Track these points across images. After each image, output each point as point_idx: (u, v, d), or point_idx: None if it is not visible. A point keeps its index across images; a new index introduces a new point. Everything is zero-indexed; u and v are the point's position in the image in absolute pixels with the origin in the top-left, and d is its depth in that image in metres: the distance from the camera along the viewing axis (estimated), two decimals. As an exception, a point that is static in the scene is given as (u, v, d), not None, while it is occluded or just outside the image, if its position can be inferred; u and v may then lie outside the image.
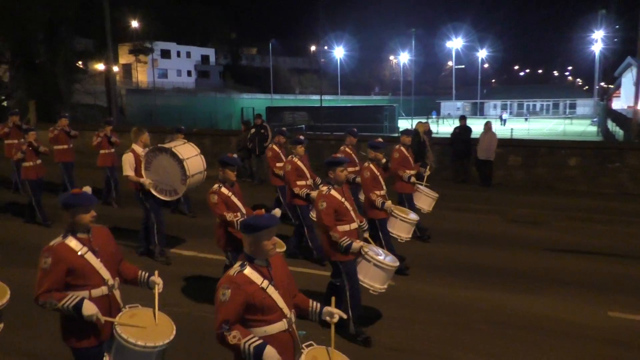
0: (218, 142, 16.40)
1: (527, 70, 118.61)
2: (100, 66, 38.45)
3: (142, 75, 61.55)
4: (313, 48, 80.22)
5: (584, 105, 69.72)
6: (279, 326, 3.02)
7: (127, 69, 62.40)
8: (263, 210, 3.11)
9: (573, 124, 47.58)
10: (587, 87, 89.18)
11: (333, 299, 3.34)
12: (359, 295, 5.13)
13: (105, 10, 19.93)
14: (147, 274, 3.58)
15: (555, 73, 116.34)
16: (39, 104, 21.81)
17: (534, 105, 74.10)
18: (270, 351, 2.86)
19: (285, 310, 3.05)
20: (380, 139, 7.29)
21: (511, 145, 14.20)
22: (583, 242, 8.66)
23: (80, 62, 35.49)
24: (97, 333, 3.34)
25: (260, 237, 2.97)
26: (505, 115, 51.63)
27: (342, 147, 8.82)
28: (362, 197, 8.04)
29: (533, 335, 5.36)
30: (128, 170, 7.19)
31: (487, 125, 13.58)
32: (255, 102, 58.31)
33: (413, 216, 7.10)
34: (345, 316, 3.26)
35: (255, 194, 11.47)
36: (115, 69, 40.01)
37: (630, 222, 9.83)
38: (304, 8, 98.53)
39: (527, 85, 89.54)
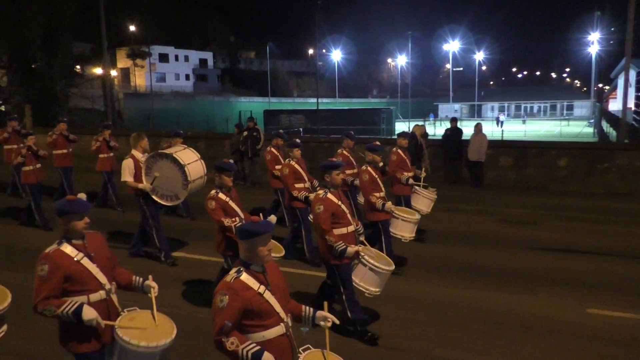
0: (213, 146, 16.44)
1: (525, 72, 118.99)
2: (97, 70, 38.47)
3: (140, 79, 61.53)
4: (311, 51, 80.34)
5: (582, 107, 69.86)
6: (277, 330, 3.05)
7: (125, 73, 62.44)
8: (260, 216, 3.14)
9: (570, 126, 47.68)
10: (585, 88, 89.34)
11: (325, 303, 3.37)
12: (355, 298, 5.15)
13: (101, 14, 19.98)
14: (141, 279, 3.60)
15: (553, 75, 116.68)
16: (36, 108, 21.81)
17: (532, 107, 74.18)
18: (268, 357, 2.90)
19: (282, 314, 3.09)
20: (377, 142, 7.35)
21: (502, 146, 14.29)
22: (575, 241, 8.71)
23: (77, 67, 35.49)
24: (98, 337, 3.36)
25: (255, 243, 2.99)
26: (502, 117, 51.63)
27: (339, 150, 8.84)
28: (361, 199, 8.08)
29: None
30: (127, 176, 7.21)
31: (478, 127, 13.71)
32: (253, 105, 58.38)
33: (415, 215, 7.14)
34: (338, 322, 3.28)
35: (249, 196, 11.43)
36: (114, 73, 40.02)
37: (620, 222, 9.92)
38: (301, 11, 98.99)
39: (525, 87, 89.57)
